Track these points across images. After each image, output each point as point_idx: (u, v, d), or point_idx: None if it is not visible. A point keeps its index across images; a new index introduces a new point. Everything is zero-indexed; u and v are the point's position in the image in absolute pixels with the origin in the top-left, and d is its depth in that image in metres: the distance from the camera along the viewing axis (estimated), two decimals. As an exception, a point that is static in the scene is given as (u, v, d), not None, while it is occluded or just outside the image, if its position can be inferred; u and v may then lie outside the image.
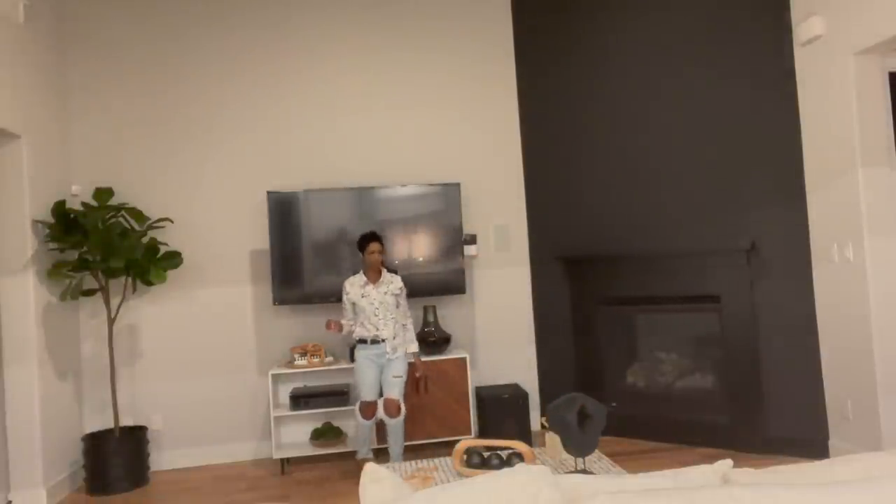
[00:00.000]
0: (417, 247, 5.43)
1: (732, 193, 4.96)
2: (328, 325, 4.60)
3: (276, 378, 5.37)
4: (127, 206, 5.30)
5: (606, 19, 5.51)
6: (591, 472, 3.15)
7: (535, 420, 5.87)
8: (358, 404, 4.71)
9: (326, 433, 5.21)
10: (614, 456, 5.01)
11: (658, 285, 5.25)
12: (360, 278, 4.75)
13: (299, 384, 5.45)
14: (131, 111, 5.44)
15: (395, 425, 4.66)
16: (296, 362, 5.19)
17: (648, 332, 5.58)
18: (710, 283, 5.04)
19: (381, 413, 4.69)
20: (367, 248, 4.70)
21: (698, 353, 5.30)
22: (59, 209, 4.78)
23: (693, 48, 5.09)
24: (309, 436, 5.42)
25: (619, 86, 5.46)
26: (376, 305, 4.67)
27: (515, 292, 5.93)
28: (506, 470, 1.60)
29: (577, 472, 3.12)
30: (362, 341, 4.70)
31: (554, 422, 3.23)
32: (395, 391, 4.66)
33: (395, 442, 4.69)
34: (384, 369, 4.70)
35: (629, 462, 4.86)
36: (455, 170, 5.85)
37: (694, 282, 5.10)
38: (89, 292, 4.93)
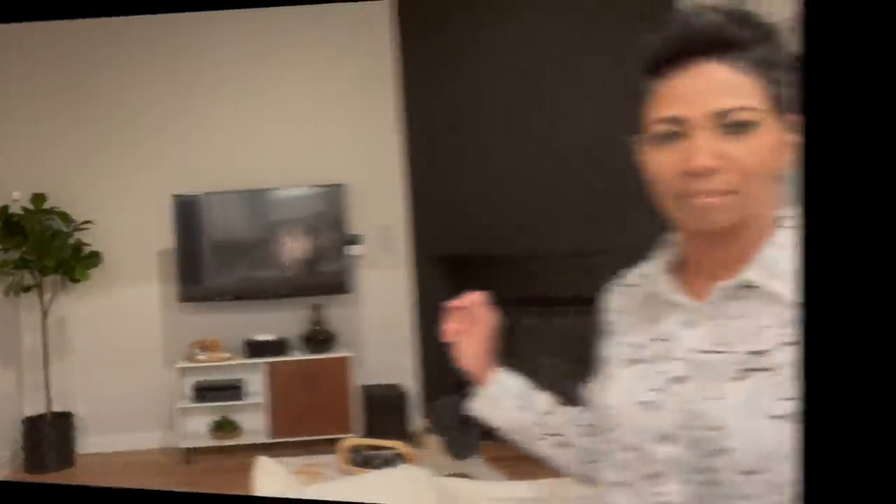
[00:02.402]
0: (304, 247, 5.50)
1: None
2: None
3: (181, 371, 5.49)
4: (57, 209, 5.68)
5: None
6: (469, 477, 3.21)
7: (418, 420, 5.91)
8: None
9: (224, 426, 5.41)
10: (495, 461, 5.09)
11: (544, 286, 5.27)
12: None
13: (202, 378, 5.52)
14: (56, 117, 5.71)
15: None
16: (197, 356, 5.40)
17: (533, 335, 5.51)
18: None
19: None
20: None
21: (587, 357, 5.35)
22: (3, 213, 5.34)
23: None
24: (210, 427, 5.51)
25: (515, 82, 5.45)
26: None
27: (400, 292, 5.95)
28: (388, 470, 1.63)
29: (456, 475, 3.17)
30: None
31: (435, 423, 3.27)
32: None
33: None
34: None
35: (509, 467, 4.95)
36: (342, 170, 5.82)
37: (578, 283, 5.18)
38: (27, 289, 5.41)
